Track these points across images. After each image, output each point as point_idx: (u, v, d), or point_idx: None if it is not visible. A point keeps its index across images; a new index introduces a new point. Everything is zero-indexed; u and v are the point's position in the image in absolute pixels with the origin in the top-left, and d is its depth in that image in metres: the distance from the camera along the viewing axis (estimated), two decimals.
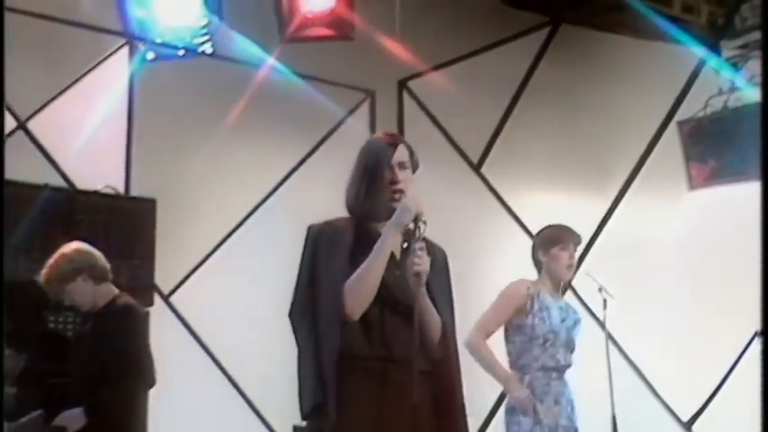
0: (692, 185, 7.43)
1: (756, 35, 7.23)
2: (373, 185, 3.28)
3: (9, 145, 5.89)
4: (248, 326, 6.14)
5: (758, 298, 6.73)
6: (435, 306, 3.27)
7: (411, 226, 3.15)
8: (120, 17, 6.20)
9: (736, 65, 7.40)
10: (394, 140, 3.37)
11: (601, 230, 7.45)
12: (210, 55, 6.37)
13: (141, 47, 6.46)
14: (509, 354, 4.63)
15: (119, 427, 4.45)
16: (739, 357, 7.14)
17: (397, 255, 3.23)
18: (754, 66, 7.28)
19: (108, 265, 4.65)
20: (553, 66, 7.75)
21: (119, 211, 5.60)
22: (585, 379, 4.79)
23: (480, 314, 4.68)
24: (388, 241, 3.16)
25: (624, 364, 7.19)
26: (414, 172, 3.35)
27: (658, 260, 7.26)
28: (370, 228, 3.25)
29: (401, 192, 3.24)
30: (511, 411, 4.55)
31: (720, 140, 7.32)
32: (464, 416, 3.31)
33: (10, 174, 5.34)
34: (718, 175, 7.35)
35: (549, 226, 4.78)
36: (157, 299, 6.13)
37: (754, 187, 6.87)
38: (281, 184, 6.81)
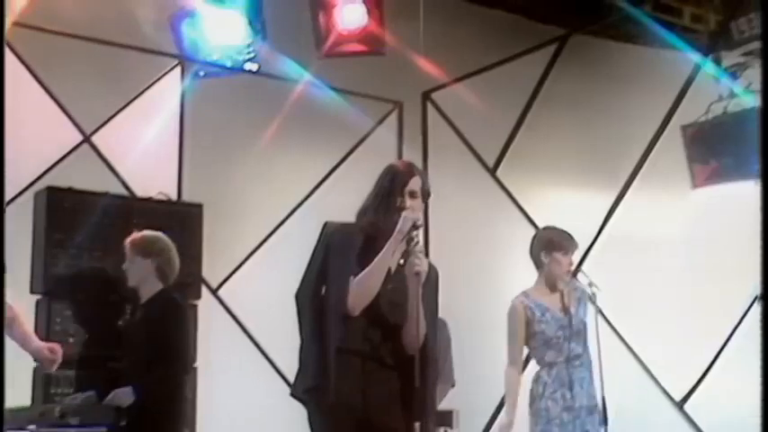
0: (695, 184, 7.47)
1: (752, 46, 7.29)
2: (384, 207, 3.46)
3: (75, 157, 6.17)
4: (288, 316, 6.32)
5: (747, 285, 6.86)
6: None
7: (411, 233, 3.33)
8: (174, 39, 6.25)
9: (734, 73, 7.47)
10: (410, 171, 3.54)
11: (606, 224, 7.51)
12: (255, 72, 6.41)
13: (192, 66, 6.52)
14: (533, 356, 4.79)
15: (164, 406, 4.62)
16: (727, 340, 7.22)
17: (393, 269, 3.43)
18: (751, 74, 7.37)
19: (175, 274, 4.84)
20: (563, 74, 7.80)
21: (170, 215, 5.68)
22: None
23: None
24: (391, 249, 3.36)
25: (621, 349, 7.26)
26: (425, 200, 3.54)
27: (660, 251, 7.32)
28: (377, 239, 3.42)
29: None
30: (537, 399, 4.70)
31: (721, 143, 7.36)
32: (433, 408, 3.57)
33: (76, 183, 5.61)
34: (718, 175, 7.40)
35: (553, 229, 4.89)
36: (206, 292, 6.23)
37: (751, 185, 7.00)
38: (317, 187, 6.93)
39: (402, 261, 3.40)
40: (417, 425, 3.31)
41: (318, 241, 3.52)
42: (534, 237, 4.94)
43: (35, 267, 5.39)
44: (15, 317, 4.20)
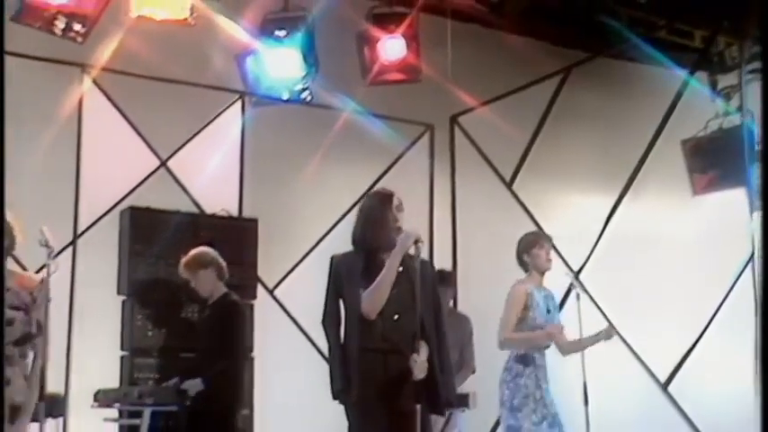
0: (695, 191, 7.62)
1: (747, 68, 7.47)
2: (381, 226, 3.81)
3: (153, 180, 6.47)
4: None
5: (727, 278, 7.02)
6: (423, 314, 3.71)
7: (412, 249, 3.72)
8: (240, 74, 6.37)
9: (728, 95, 7.64)
10: (391, 193, 3.91)
11: (608, 225, 7.65)
12: (308, 103, 6.52)
13: (252, 99, 6.74)
14: None
15: (226, 388, 4.97)
16: (708, 325, 7.45)
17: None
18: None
19: (226, 272, 5.20)
20: (574, 95, 7.85)
21: (230, 229, 6.07)
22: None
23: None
24: (396, 260, 3.72)
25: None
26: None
27: (658, 249, 7.49)
28: (376, 255, 3.79)
29: (400, 228, 3.81)
30: (521, 361, 5.02)
31: (717, 155, 7.47)
32: (451, 391, 3.86)
33: (154, 202, 6.06)
34: (715, 184, 7.53)
35: (526, 234, 5.27)
36: (264, 292, 6.54)
37: (742, 192, 7.18)
38: (359, 200, 6.92)
39: (401, 268, 3.75)
40: (418, 407, 3.61)
41: (330, 274, 3.85)
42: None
43: (121, 273, 5.89)
44: None
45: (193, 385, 4.93)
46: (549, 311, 5.08)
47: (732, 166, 7.36)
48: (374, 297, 3.71)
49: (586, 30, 7.66)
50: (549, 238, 5.20)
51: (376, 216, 3.85)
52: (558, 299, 5.49)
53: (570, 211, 7.56)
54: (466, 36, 7.17)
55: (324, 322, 3.84)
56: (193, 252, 5.15)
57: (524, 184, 7.70)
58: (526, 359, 4.98)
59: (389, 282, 3.73)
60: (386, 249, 3.77)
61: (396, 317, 3.75)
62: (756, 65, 7.59)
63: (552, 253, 5.25)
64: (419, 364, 3.66)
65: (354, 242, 3.89)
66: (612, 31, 7.44)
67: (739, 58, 7.40)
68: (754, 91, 7.51)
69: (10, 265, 4.10)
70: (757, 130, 7.37)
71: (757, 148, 7.34)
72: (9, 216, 3.85)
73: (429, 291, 3.88)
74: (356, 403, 3.71)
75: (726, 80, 7.68)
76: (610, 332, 5.08)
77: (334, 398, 3.79)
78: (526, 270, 5.17)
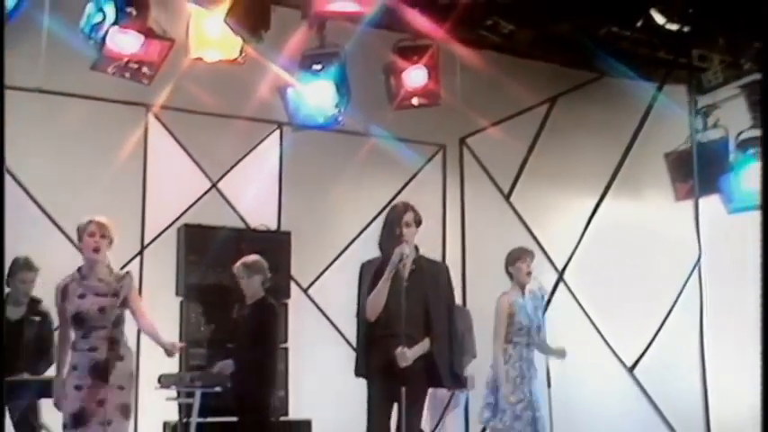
0: (677, 198, 8.14)
1: (720, 95, 7.89)
2: (390, 237, 4.24)
3: (206, 199, 6.94)
4: None
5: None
6: (431, 308, 4.18)
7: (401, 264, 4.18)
8: (283, 105, 6.57)
9: (706, 113, 8.09)
10: (405, 208, 4.29)
11: (589, 226, 8.17)
12: (339, 129, 6.67)
13: (289, 128, 6.95)
14: (506, 335, 5.62)
15: (261, 373, 5.43)
16: (669, 313, 7.99)
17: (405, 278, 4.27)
18: (718, 113, 8.03)
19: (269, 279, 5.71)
20: (573, 112, 8.20)
21: (268, 241, 6.57)
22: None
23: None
24: (389, 275, 4.20)
25: (588, 325, 7.98)
26: (417, 227, 4.26)
27: (645, 247, 7.99)
28: (385, 264, 4.24)
29: (405, 241, 4.19)
30: (509, 352, 5.58)
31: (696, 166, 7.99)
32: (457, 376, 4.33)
33: (207, 218, 6.61)
34: (694, 191, 8.06)
35: (514, 248, 5.79)
36: (299, 292, 7.02)
37: (715, 199, 7.68)
38: (381, 212, 6.80)
39: (414, 267, 4.24)
40: (403, 390, 4.02)
41: (359, 276, 4.41)
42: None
43: (179, 279, 6.56)
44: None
45: (225, 366, 5.42)
46: (534, 309, 5.61)
47: (708, 175, 7.85)
48: (372, 304, 4.22)
49: (590, 53, 7.79)
50: (531, 255, 5.69)
51: (388, 228, 4.29)
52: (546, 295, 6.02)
53: (562, 217, 8.03)
54: (477, 61, 7.31)
55: (357, 316, 4.34)
56: (254, 257, 5.59)
57: (521, 195, 8.14)
58: (514, 351, 5.55)
59: (384, 292, 4.18)
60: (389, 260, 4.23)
61: (398, 310, 4.12)
62: (737, 83, 8.01)
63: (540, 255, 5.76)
64: (401, 354, 4.14)
65: (379, 247, 4.39)
66: (612, 53, 7.71)
67: (689, 85, 7.80)
68: (733, 108, 7.93)
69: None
70: (731, 144, 7.83)
71: (731, 158, 7.79)
72: (107, 220, 4.46)
73: (443, 288, 4.34)
74: (369, 380, 4.26)
75: (704, 100, 8.12)
76: (562, 353, 5.57)
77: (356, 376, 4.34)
78: (512, 279, 5.70)
